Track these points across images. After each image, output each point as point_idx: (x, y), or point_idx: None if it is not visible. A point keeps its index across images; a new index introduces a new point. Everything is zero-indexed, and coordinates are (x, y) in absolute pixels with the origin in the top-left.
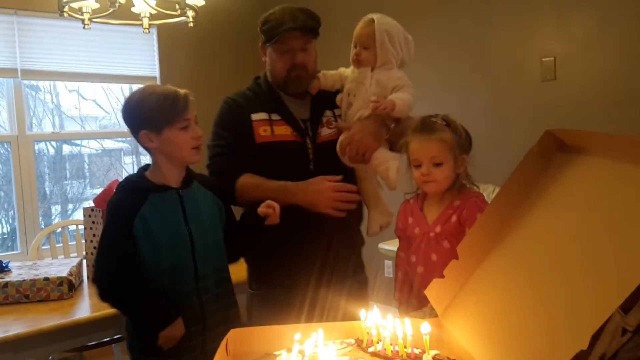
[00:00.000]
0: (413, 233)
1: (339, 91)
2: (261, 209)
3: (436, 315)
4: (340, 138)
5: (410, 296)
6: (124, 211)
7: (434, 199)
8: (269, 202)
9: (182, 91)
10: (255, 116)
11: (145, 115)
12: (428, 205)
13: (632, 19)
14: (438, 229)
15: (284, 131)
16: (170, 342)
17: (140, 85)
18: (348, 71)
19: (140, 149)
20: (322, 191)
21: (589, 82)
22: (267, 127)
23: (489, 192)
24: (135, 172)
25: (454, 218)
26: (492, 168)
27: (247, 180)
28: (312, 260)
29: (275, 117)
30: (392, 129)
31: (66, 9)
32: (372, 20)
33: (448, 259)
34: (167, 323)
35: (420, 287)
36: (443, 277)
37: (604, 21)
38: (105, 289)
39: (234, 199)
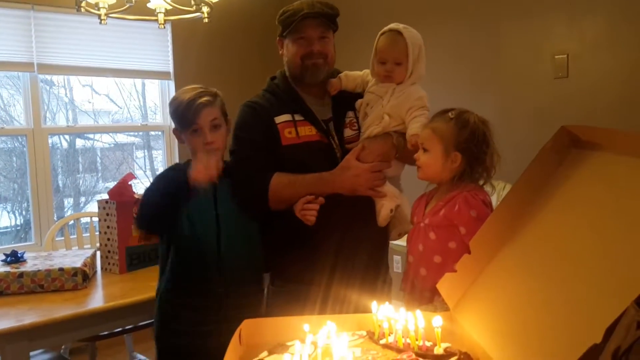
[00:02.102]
0: (414, 221)
1: (359, 93)
2: (300, 210)
3: (448, 309)
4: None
5: (411, 285)
6: (176, 174)
7: (438, 192)
8: (307, 198)
9: (200, 99)
10: (278, 119)
11: (171, 118)
12: (434, 198)
13: None
14: (427, 220)
15: (308, 132)
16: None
17: (155, 80)
18: (371, 76)
19: (152, 143)
20: (360, 174)
21: (601, 79)
22: (291, 129)
23: (499, 188)
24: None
25: (442, 211)
26: (503, 165)
27: (281, 179)
28: (335, 259)
29: (298, 117)
30: (401, 147)
31: (83, 4)
32: (399, 33)
33: (433, 251)
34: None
35: (413, 277)
36: (429, 267)
37: (616, 19)
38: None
39: (266, 201)
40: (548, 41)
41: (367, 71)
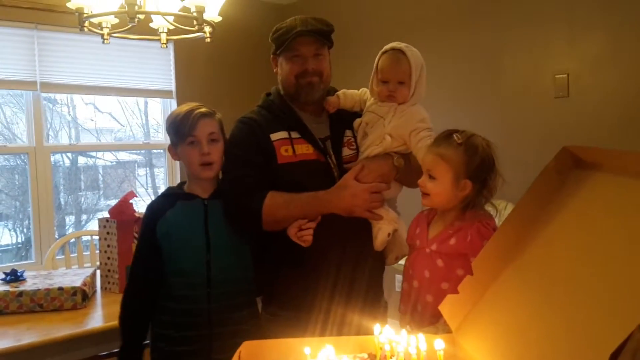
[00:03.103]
0: (415, 244)
1: (356, 112)
2: (296, 233)
3: (450, 331)
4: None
5: (412, 308)
6: (153, 213)
7: (441, 215)
8: (300, 222)
9: (197, 110)
10: (274, 136)
11: (168, 132)
12: (435, 221)
13: None
14: (434, 246)
15: (305, 150)
16: None
17: (157, 99)
18: (369, 94)
19: (154, 161)
20: (358, 194)
21: (601, 98)
22: (288, 146)
23: (501, 208)
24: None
25: (452, 240)
26: (504, 184)
27: (275, 198)
28: (334, 281)
29: (294, 135)
30: (401, 169)
31: (86, 23)
32: (402, 53)
33: (440, 278)
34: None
35: (415, 301)
36: (436, 294)
37: (615, 39)
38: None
39: (260, 221)
40: (548, 61)
41: (364, 90)
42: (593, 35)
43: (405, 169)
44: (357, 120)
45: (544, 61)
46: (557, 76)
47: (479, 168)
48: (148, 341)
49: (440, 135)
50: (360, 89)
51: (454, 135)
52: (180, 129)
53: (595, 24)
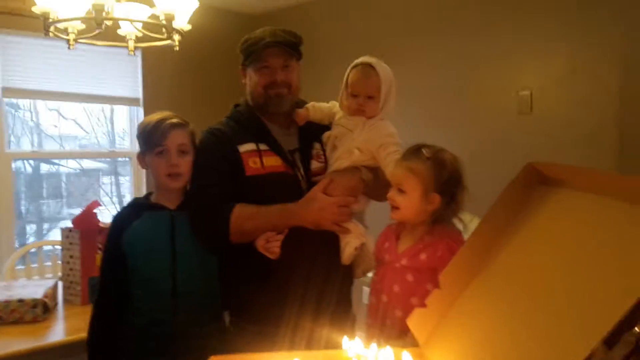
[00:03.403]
0: (384, 258)
1: (325, 125)
2: (263, 245)
3: (417, 345)
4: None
5: (381, 322)
6: (118, 224)
7: (410, 230)
8: (268, 234)
9: (169, 120)
10: (242, 147)
11: (137, 140)
12: (404, 235)
13: (604, 55)
14: (404, 261)
15: (273, 162)
16: None
17: (124, 107)
18: (338, 107)
19: (119, 169)
20: (326, 207)
21: (564, 115)
22: (256, 158)
23: (467, 221)
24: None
25: (423, 256)
26: (471, 199)
27: (243, 210)
28: (302, 294)
29: (263, 147)
30: (370, 183)
31: (52, 28)
32: (372, 67)
33: (410, 293)
34: None
35: (384, 316)
36: (405, 309)
37: (578, 57)
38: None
39: (227, 233)
40: (512, 77)
41: (334, 103)
42: (555, 52)
43: (374, 183)
44: (326, 133)
45: (508, 78)
46: (520, 93)
47: (447, 182)
48: None
49: (409, 150)
50: (330, 102)
51: (423, 150)
52: (150, 138)
53: (557, 42)
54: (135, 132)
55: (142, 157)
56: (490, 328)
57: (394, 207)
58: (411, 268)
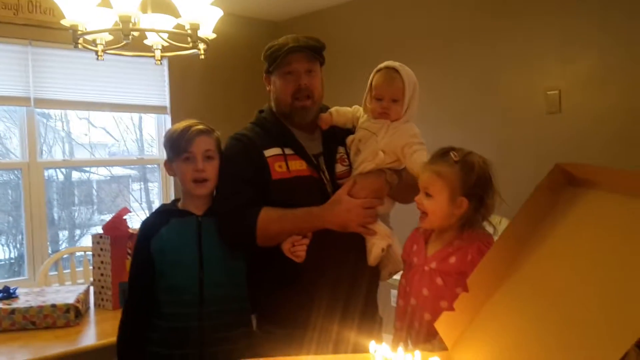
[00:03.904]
0: (412, 261)
1: (349, 129)
2: (289, 249)
3: (445, 349)
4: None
5: (408, 325)
6: (146, 230)
7: (438, 233)
8: (294, 238)
9: (195, 127)
10: (268, 152)
11: (165, 147)
12: (433, 238)
13: (633, 54)
14: (433, 264)
15: (299, 166)
16: None
17: (151, 115)
18: (362, 112)
19: (148, 176)
20: (351, 209)
21: (593, 114)
22: (282, 162)
23: (495, 222)
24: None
25: (452, 259)
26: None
27: (269, 213)
28: (330, 297)
29: (288, 151)
30: (394, 185)
31: (80, 40)
32: (396, 71)
33: (439, 296)
34: None
35: (412, 319)
36: (434, 312)
37: (607, 56)
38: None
39: (254, 237)
40: (541, 78)
41: (357, 107)
42: (585, 52)
43: (398, 185)
44: (350, 137)
45: (536, 78)
46: (548, 92)
47: (475, 186)
48: None
49: (436, 153)
50: (353, 107)
51: (451, 153)
52: (176, 145)
53: (587, 41)
54: (162, 139)
55: (169, 165)
56: (519, 333)
57: (422, 215)
58: (440, 271)
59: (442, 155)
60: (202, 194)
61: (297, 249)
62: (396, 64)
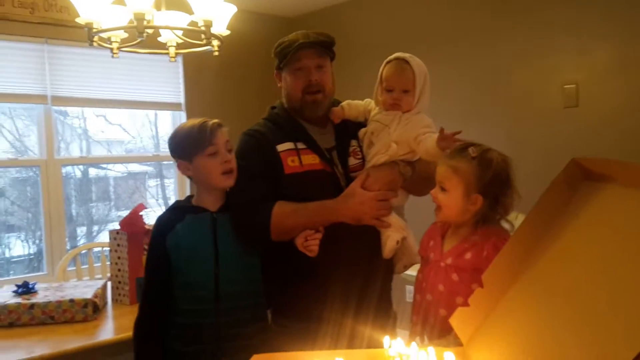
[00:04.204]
0: (429, 257)
1: (361, 123)
2: (302, 243)
3: (460, 344)
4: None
5: (423, 320)
6: (162, 226)
7: (455, 229)
8: (307, 233)
9: (211, 121)
10: (280, 147)
11: (178, 146)
12: (450, 234)
13: None
14: (449, 260)
15: (312, 160)
16: None
17: (167, 111)
18: (373, 104)
19: (165, 172)
20: (365, 202)
21: (611, 108)
22: (294, 157)
23: (511, 218)
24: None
25: (468, 255)
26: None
27: (283, 208)
28: (344, 291)
29: (300, 145)
30: (408, 177)
31: (96, 38)
32: (406, 62)
33: (455, 292)
34: None
35: (428, 314)
36: (449, 308)
37: (624, 49)
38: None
39: (268, 231)
40: (557, 72)
41: (368, 100)
42: (602, 46)
43: (412, 177)
44: (362, 130)
45: (553, 72)
46: (565, 86)
47: (490, 183)
48: None
49: (456, 147)
50: (364, 100)
51: (469, 149)
52: (200, 140)
53: (604, 34)
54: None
55: (186, 164)
56: (534, 330)
57: (437, 207)
58: (456, 267)
59: (461, 150)
60: (229, 186)
61: (310, 244)
62: (406, 55)
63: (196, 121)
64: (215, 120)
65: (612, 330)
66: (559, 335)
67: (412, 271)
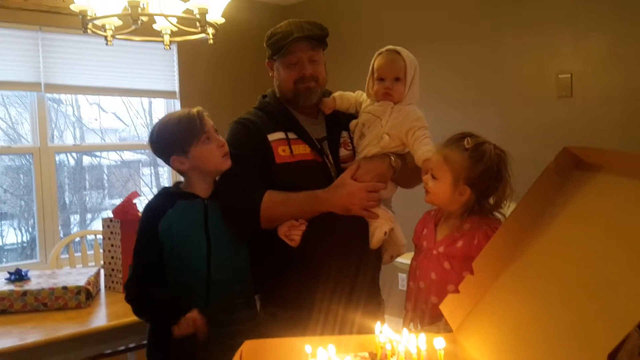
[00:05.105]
0: (422, 245)
1: (352, 114)
2: (285, 232)
3: (451, 330)
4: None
5: (415, 307)
6: (153, 213)
7: (447, 218)
8: (292, 222)
9: (194, 109)
10: (271, 136)
11: (169, 142)
12: (442, 222)
13: None
14: (441, 248)
15: (302, 150)
16: (188, 328)
17: (161, 100)
18: (365, 97)
19: (159, 160)
20: (355, 193)
21: (605, 98)
22: (285, 147)
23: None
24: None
25: (460, 243)
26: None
27: (273, 196)
28: (334, 279)
29: (291, 135)
30: (398, 169)
31: (90, 25)
32: (397, 52)
33: (447, 280)
34: (178, 312)
35: (420, 301)
36: (441, 295)
37: (619, 39)
38: (131, 296)
39: (258, 219)
40: (552, 60)
41: (360, 92)
42: (596, 36)
43: (402, 169)
44: (354, 122)
45: (547, 61)
46: (560, 76)
47: (480, 177)
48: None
49: (454, 136)
50: (356, 92)
51: (466, 139)
52: (192, 130)
53: (599, 25)
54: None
55: (182, 158)
56: (524, 315)
57: (426, 191)
58: (448, 255)
59: (456, 140)
60: (229, 167)
61: (292, 233)
62: (397, 47)
63: (178, 114)
64: (197, 108)
65: (600, 316)
66: (547, 320)
67: (405, 259)
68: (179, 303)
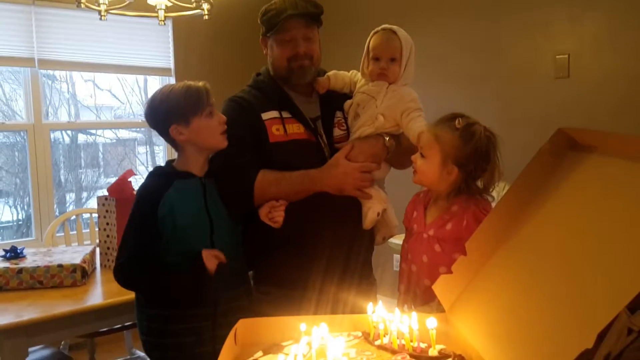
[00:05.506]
0: (413, 228)
1: (346, 94)
2: (266, 214)
3: (443, 311)
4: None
5: (408, 289)
6: (151, 195)
7: (435, 200)
8: (272, 203)
9: (200, 82)
10: (265, 115)
11: (172, 109)
12: (432, 205)
13: None
14: (432, 231)
15: (296, 129)
16: (213, 263)
17: (156, 77)
18: (359, 76)
19: (154, 139)
20: (348, 173)
21: (603, 79)
22: (279, 125)
23: (499, 189)
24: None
25: (449, 226)
26: (503, 165)
27: (266, 176)
28: (327, 259)
29: (285, 114)
30: (392, 150)
31: (83, 0)
32: (393, 32)
33: (438, 263)
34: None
35: (412, 283)
36: (433, 278)
37: (617, 19)
38: (126, 272)
39: (251, 198)
40: (549, 41)
41: (354, 72)
42: (593, 16)
43: (396, 150)
44: (348, 102)
45: (545, 42)
46: (557, 57)
47: (468, 157)
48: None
49: (445, 116)
50: (350, 71)
51: (457, 119)
52: (198, 101)
53: (595, 5)
54: (163, 104)
55: (181, 128)
56: (516, 295)
57: (414, 170)
58: (438, 238)
59: (448, 119)
60: (226, 146)
61: (274, 215)
62: (393, 26)
63: (185, 83)
64: (204, 82)
65: (591, 295)
66: (539, 299)
67: (400, 240)
68: (187, 275)
